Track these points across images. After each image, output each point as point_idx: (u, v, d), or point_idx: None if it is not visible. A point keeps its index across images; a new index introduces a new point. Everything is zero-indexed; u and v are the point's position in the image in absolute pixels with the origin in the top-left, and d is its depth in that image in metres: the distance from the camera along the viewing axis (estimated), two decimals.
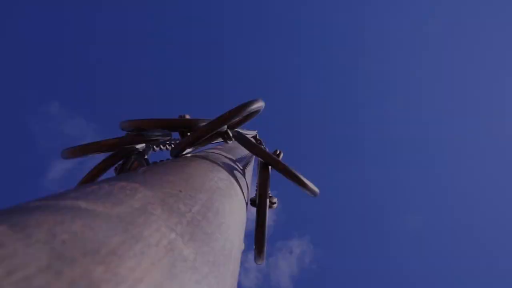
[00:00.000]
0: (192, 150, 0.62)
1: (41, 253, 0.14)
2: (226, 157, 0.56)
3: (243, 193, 0.49)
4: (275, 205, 0.59)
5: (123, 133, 0.58)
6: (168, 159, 0.54)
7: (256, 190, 0.55)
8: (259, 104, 0.58)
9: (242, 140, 0.54)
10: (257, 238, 0.52)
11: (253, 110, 0.56)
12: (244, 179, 0.55)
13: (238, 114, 0.53)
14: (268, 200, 0.53)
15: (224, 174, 0.44)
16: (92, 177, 0.56)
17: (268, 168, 0.54)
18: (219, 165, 0.47)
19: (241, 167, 0.60)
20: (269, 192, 0.55)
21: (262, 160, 0.54)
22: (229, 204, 0.37)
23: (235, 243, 0.33)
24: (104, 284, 0.15)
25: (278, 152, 0.64)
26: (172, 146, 0.74)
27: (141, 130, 0.59)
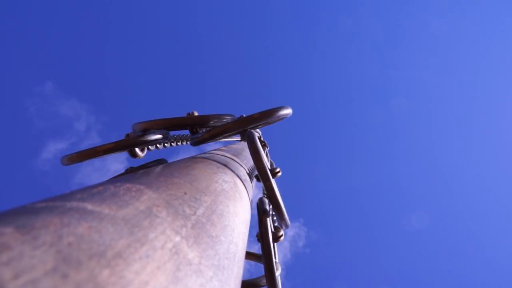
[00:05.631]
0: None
1: (47, 256, 0.14)
2: (231, 158, 0.56)
3: (247, 194, 0.49)
4: (281, 239, 0.55)
5: (121, 132, 0.57)
6: (172, 161, 0.53)
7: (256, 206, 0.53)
8: (288, 111, 0.56)
9: (252, 141, 0.52)
10: (269, 284, 0.49)
11: (280, 117, 0.55)
12: (248, 180, 0.55)
13: (266, 118, 0.52)
14: (271, 240, 0.50)
15: (228, 176, 0.44)
16: None
17: (268, 212, 0.51)
18: (224, 167, 0.47)
19: (245, 169, 0.60)
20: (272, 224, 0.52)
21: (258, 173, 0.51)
22: (234, 206, 0.37)
23: (239, 246, 0.33)
24: None
25: (277, 170, 0.62)
26: (174, 143, 0.74)
27: (152, 130, 0.58)
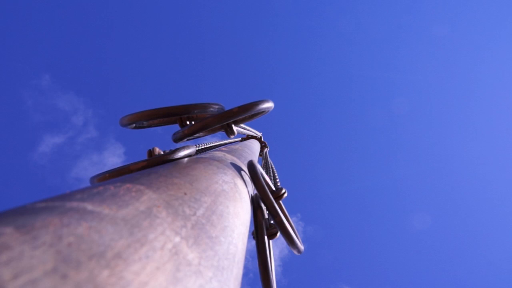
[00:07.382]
0: (193, 137, 0.61)
1: (47, 256, 0.14)
2: (231, 159, 0.56)
3: (248, 195, 0.49)
4: (276, 236, 0.55)
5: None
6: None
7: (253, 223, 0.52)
8: (269, 105, 0.57)
9: (254, 173, 0.51)
10: (264, 280, 0.49)
11: (261, 110, 0.55)
12: (249, 181, 0.55)
13: (246, 112, 0.51)
14: (267, 238, 0.50)
15: (228, 177, 0.44)
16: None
17: (263, 208, 0.50)
18: (224, 167, 0.47)
19: (245, 169, 0.60)
20: (268, 221, 0.51)
21: (260, 197, 0.50)
22: (233, 207, 0.37)
23: (239, 246, 0.33)
24: None
25: (283, 192, 0.60)
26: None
27: (139, 121, 0.57)
